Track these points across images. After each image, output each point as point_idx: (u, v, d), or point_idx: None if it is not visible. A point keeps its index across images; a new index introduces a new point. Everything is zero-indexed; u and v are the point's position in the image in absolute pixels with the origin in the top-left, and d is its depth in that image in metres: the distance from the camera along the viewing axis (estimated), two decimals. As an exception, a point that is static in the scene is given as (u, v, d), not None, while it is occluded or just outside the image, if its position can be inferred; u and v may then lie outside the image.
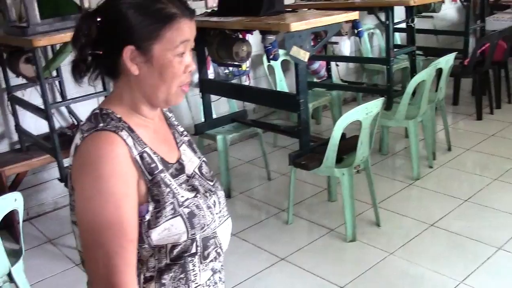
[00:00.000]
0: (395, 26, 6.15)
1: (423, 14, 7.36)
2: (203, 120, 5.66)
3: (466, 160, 5.99)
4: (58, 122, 5.19)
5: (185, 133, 2.00)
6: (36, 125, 5.15)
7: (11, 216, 3.38)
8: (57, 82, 5.18)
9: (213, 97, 5.72)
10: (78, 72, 1.72)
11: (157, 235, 1.68)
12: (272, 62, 6.28)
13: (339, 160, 4.56)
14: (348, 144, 4.60)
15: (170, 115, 2.00)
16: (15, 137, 5.16)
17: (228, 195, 5.40)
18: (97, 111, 1.72)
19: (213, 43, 4.97)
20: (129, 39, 1.64)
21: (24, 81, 4.87)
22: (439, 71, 5.63)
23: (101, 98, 4.49)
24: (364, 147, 4.48)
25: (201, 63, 5.40)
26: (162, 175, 1.70)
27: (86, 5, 4.61)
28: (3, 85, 4.97)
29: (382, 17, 5.90)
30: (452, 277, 3.99)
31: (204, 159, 1.99)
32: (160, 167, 1.71)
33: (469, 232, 4.55)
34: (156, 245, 1.70)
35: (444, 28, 8.90)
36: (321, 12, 4.82)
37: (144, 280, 1.73)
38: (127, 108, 1.74)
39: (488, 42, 6.95)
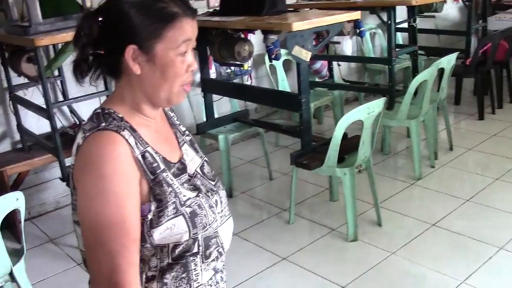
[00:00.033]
0: (397, 26, 6.15)
1: (425, 14, 7.37)
2: (205, 119, 5.66)
3: (468, 160, 5.99)
4: (60, 122, 5.19)
5: (186, 132, 2.00)
6: (38, 125, 5.15)
7: (12, 215, 3.38)
8: (59, 82, 5.19)
9: (215, 97, 5.72)
10: (79, 71, 1.72)
11: (159, 235, 1.68)
12: (274, 62, 6.28)
13: (341, 160, 4.55)
14: (350, 144, 4.60)
15: (171, 114, 2.00)
16: (17, 136, 5.17)
17: (229, 195, 5.41)
18: (99, 110, 1.72)
19: (215, 42, 4.97)
20: (131, 39, 1.64)
21: (26, 80, 4.88)
22: (441, 71, 5.63)
23: (103, 98, 4.50)
24: (366, 147, 4.48)
25: (203, 63, 5.40)
26: (164, 174, 1.70)
27: (88, 4, 4.62)
28: (5, 85, 4.97)
29: (384, 16, 5.90)
30: (454, 276, 3.99)
31: (205, 158, 1.98)
32: (162, 166, 1.71)
33: (471, 232, 4.54)
34: (158, 245, 1.70)
35: (446, 28, 8.90)
36: (323, 12, 4.82)
37: (146, 279, 1.73)
38: (128, 108, 1.74)
39: (490, 42, 6.94)
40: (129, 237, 1.59)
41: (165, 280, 1.73)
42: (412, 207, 5.06)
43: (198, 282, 1.80)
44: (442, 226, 4.66)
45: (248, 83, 6.55)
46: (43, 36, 4.04)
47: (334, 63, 6.91)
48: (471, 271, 4.04)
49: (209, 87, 5.55)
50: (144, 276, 1.73)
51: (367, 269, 4.18)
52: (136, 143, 1.66)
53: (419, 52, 6.51)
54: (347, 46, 7.17)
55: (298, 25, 4.21)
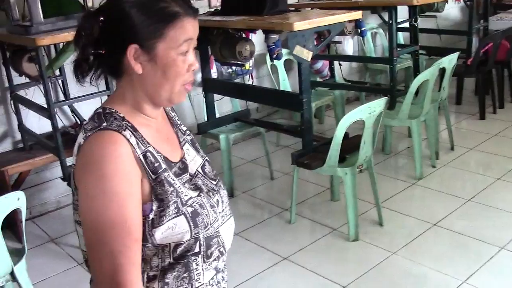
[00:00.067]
0: (398, 26, 6.16)
1: (426, 13, 7.36)
2: (206, 119, 5.66)
3: (469, 159, 5.99)
4: (61, 121, 5.19)
5: (188, 132, 2.00)
6: (39, 124, 5.15)
7: (14, 215, 3.38)
8: (60, 81, 5.19)
9: (216, 96, 5.72)
10: (80, 71, 1.72)
11: (160, 234, 1.68)
12: (275, 62, 6.29)
13: (342, 160, 4.55)
14: (351, 144, 4.60)
15: (172, 114, 2.00)
16: (18, 136, 5.17)
17: (231, 195, 5.41)
18: (100, 110, 1.72)
19: (216, 42, 4.97)
20: (132, 38, 1.64)
21: (27, 80, 4.89)
22: (442, 71, 5.63)
23: (104, 97, 4.50)
24: (367, 147, 4.47)
25: (204, 62, 5.40)
26: (166, 174, 1.70)
27: (90, 4, 4.62)
28: (6, 84, 4.98)
29: (385, 16, 5.89)
30: (455, 276, 3.99)
31: (207, 158, 1.99)
32: (164, 166, 1.71)
33: (472, 231, 4.54)
34: (160, 244, 1.70)
35: (447, 28, 8.89)
36: (324, 12, 4.82)
37: (147, 279, 1.73)
38: (130, 107, 1.74)
39: (491, 41, 6.94)
40: (131, 237, 1.59)
41: (167, 280, 1.74)
42: (413, 207, 5.06)
43: (200, 282, 1.80)
44: (443, 226, 4.66)
45: (249, 82, 6.55)
46: (45, 36, 4.04)
47: (336, 63, 6.91)
48: (472, 271, 4.04)
49: (210, 86, 5.55)
50: (145, 276, 1.73)
51: (368, 269, 4.18)
52: (137, 143, 1.66)
53: (420, 51, 6.50)
54: (349, 45, 7.17)
55: (299, 25, 4.21)
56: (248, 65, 6.26)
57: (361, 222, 4.67)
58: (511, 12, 8.29)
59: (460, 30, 8.27)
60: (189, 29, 1.68)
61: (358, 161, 4.48)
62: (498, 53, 7.07)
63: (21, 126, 5.04)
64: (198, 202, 1.75)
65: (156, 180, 1.67)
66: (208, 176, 1.92)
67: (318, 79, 6.91)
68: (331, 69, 6.85)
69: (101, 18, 1.68)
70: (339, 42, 6.66)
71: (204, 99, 5.62)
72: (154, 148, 1.72)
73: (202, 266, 1.79)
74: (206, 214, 1.76)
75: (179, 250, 1.72)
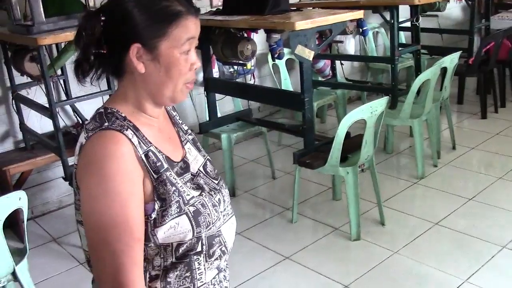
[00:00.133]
0: (400, 25, 6.15)
1: (428, 13, 7.35)
2: (207, 119, 5.66)
3: (470, 159, 5.98)
4: (63, 121, 5.18)
5: (189, 131, 2.00)
6: (40, 124, 5.16)
7: (15, 215, 3.38)
8: (61, 81, 5.18)
9: (217, 96, 5.72)
10: (81, 71, 1.72)
11: (163, 234, 1.68)
12: (277, 61, 6.28)
13: (344, 159, 4.56)
14: (352, 143, 4.60)
15: (174, 113, 2.00)
16: (20, 135, 5.17)
17: (232, 194, 5.41)
18: (102, 110, 1.72)
19: (218, 42, 4.97)
20: (135, 38, 1.64)
21: (28, 79, 4.89)
22: (444, 70, 5.63)
23: (106, 97, 4.49)
24: (368, 146, 4.47)
25: (206, 62, 5.40)
26: (168, 173, 1.70)
27: (91, 3, 4.62)
28: (8, 84, 4.98)
29: (387, 16, 5.89)
30: (457, 275, 3.99)
31: (208, 157, 1.99)
32: (165, 165, 1.71)
33: (474, 230, 4.54)
34: (162, 244, 1.70)
35: (449, 27, 8.88)
36: (326, 11, 4.82)
37: (149, 278, 1.74)
38: (131, 107, 1.74)
39: (492, 41, 6.94)
40: (133, 237, 1.60)
41: (169, 279, 1.74)
42: (415, 206, 5.06)
43: (202, 281, 1.80)
44: (445, 225, 4.66)
45: (251, 82, 6.54)
46: (46, 35, 4.04)
47: (337, 62, 6.91)
48: (474, 269, 4.04)
49: (212, 86, 5.55)
50: (147, 275, 1.73)
51: (370, 268, 4.18)
52: (139, 143, 1.67)
53: (422, 51, 6.50)
54: (350, 45, 7.17)
55: (301, 24, 4.20)
56: (250, 64, 6.26)
57: (363, 221, 4.67)
58: (513, 12, 8.30)
59: (462, 30, 8.25)
60: (191, 28, 1.68)
61: (360, 161, 4.47)
62: (499, 53, 7.07)
63: (22, 125, 5.04)
64: (200, 202, 1.75)
65: (158, 179, 1.67)
66: (210, 175, 1.92)
67: (319, 79, 6.92)
68: (333, 68, 6.86)
69: (103, 18, 1.68)
70: (341, 42, 6.66)
71: (206, 98, 5.62)
72: (156, 148, 1.72)
73: (204, 265, 1.79)
74: (208, 214, 1.76)
75: (181, 250, 1.72)
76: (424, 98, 5.37)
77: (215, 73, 5.99)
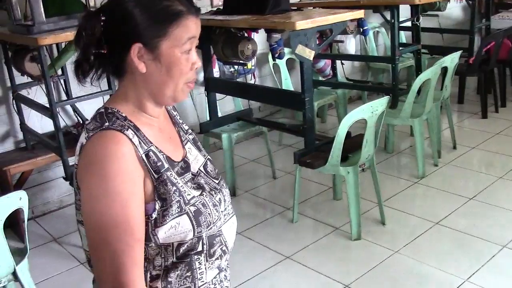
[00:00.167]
0: (401, 25, 6.14)
1: (429, 12, 7.36)
2: (208, 118, 5.66)
3: (471, 158, 5.98)
4: (63, 121, 5.18)
5: (189, 131, 2.00)
6: (41, 124, 5.16)
7: (16, 214, 3.38)
8: (62, 81, 5.18)
9: (218, 96, 5.72)
10: (81, 71, 1.72)
11: (163, 233, 1.68)
12: (277, 61, 6.28)
13: (344, 159, 4.56)
14: (353, 143, 4.60)
15: (174, 113, 2.00)
16: (20, 135, 5.17)
17: (233, 194, 5.41)
18: (102, 110, 1.72)
19: (219, 41, 4.97)
20: (136, 37, 1.64)
21: (29, 79, 4.88)
22: (444, 70, 5.63)
23: (106, 97, 4.49)
24: (369, 146, 4.47)
25: (206, 62, 5.40)
26: (168, 173, 1.70)
27: (92, 3, 4.62)
28: (8, 84, 4.98)
29: (388, 15, 5.89)
30: (457, 275, 3.99)
31: (209, 157, 1.99)
32: (166, 165, 1.71)
33: (474, 230, 4.54)
34: (163, 244, 1.70)
35: (449, 27, 8.88)
36: (326, 11, 4.82)
37: (150, 278, 1.74)
38: (132, 107, 1.74)
39: (493, 40, 6.94)
40: (134, 237, 1.60)
41: (170, 279, 1.74)
42: (416, 206, 5.06)
43: (203, 281, 1.80)
44: (445, 225, 4.66)
45: (252, 82, 6.55)
46: (47, 35, 4.04)
47: (338, 62, 6.91)
48: (474, 269, 4.04)
49: (212, 86, 5.55)
50: (148, 275, 1.73)
51: (371, 267, 4.18)
52: (140, 142, 1.67)
53: (423, 50, 6.51)
54: (351, 45, 7.17)
55: (301, 24, 4.20)
56: (250, 64, 6.26)
57: (363, 221, 4.67)
58: (513, 11, 8.31)
59: (462, 29, 8.24)
60: (192, 27, 1.68)
61: (361, 160, 4.47)
62: (500, 52, 7.07)
63: (23, 125, 5.04)
64: (200, 201, 1.75)
65: (158, 179, 1.67)
66: (210, 175, 1.92)
67: (320, 78, 6.92)
68: (333, 68, 6.86)
69: (103, 18, 1.68)
70: (341, 41, 6.66)
71: (206, 98, 5.62)
72: (157, 148, 1.72)
73: (205, 265, 1.79)
74: (208, 213, 1.76)
75: (182, 249, 1.72)
76: (425, 98, 5.37)
77: (216, 73, 5.99)
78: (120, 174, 1.59)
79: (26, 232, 3.54)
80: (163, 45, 1.65)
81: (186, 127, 2.00)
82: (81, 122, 5.20)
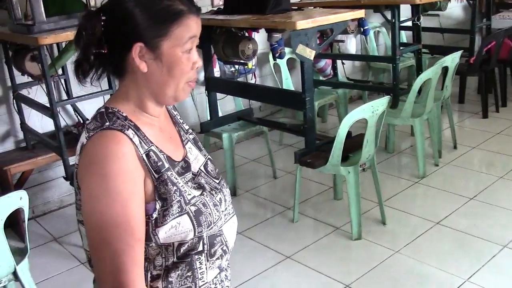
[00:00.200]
0: (401, 24, 6.14)
1: (429, 12, 7.36)
2: (209, 118, 5.66)
3: (472, 158, 5.98)
4: (64, 120, 5.18)
5: (190, 131, 2.00)
6: (41, 123, 5.16)
7: (16, 214, 3.38)
8: (62, 80, 5.18)
9: (219, 95, 5.72)
10: (81, 71, 1.72)
11: (164, 233, 1.67)
12: (278, 60, 6.29)
13: (345, 158, 4.56)
14: (354, 142, 4.60)
15: (175, 113, 2.00)
16: (21, 135, 5.17)
17: (233, 193, 5.41)
18: (103, 110, 1.72)
19: (219, 41, 4.97)
20: (137, 37, 1.64)
21: (29, 79, 4.88)
22: (445, 69, 5.63)
23: (107, 96, 4.49)
24: (370, 145, 4.47)
25: (207, 61, 5.40)
26: (169, 173, 1.70)
27: (92, 3, 4.62)
28: (9, 83, 4.98)
29: (388, 15, 5.89)
30: (458, 275, 3.98)
31: (209, 156, 1.99)
32: (167, 165, 1.71)
33: (475, 230, 4.54)
34: (163, 243, 1.70)
35: (450, 27, 8.88)
36: (327, 10, 4.82)
37: (151, 278, 1.73)
38: (133, 106, 1.74)
39: (494, 40, 6.94)
40: (134, 237, 1.59)
41: (170, 279, 1.74)
42: (416, 206, 5.06)
43: (203, 281, 1.80)
44: (446, 225, 4.66)
45: (252, 81, 6.55)
46: (47, 35, 4.04)
47: (338, 62, 6.91)
48: (475, 269, 4.04)
49: (213, 85, 5.55)
50: (149, 275, 1.73)
51: (371, 267, 4.18)
52: (140, 142, 1.66)
53: (423, 50, 6.51)
54: (351, 44, 7.17)
55: (302, 24, 4.20)
56: (251, 64, 6.26)
57: (364, 220, 4.67)
58: (514, 11, 8.30)
59: (463, 29, 8.25)
60: (193, 26, 1.68)
61: (361, 160, 4.47)
62: (500, 52, 7.07)
63: (23, 125, 5.04)
64: (201, 201, 1.75)
65: (159, 179, 1.67)
66: (211, 174, 1.92)
67: (321, 78, 6.92)
68: (334, 67, 6.86)
69: (103, 18, 1.67)
70: (342, 41, 6.66)
71: (207, 98, 5.62)
72: (157, 147, 1.72)
73: (205, 265, 1.79)
74: (209, 213, 1.76)
75: (182, 249, 1.72)
76: (425, 98, 5.37)
77: (216, 73, 5.99)
78: (120, 174, 1.58)
79: (27, 232, 3.54)
80: (165, 44, 1.65)
81: (187, 127, 2.00)
82: (82, 121, 5.20)
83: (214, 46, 5.09)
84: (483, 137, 6.45)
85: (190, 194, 1.73)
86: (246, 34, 5.01)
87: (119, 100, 1.74)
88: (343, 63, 7.03)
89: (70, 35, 4.02)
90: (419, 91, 5.37)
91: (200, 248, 1.76)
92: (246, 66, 5.96)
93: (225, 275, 1.91)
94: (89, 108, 5.03)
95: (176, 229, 1.68)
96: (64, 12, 4.41)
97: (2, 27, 4.71)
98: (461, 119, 7.20)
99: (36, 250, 4.70)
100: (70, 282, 4.32)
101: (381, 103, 4.41)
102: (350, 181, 4.47)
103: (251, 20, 4.59)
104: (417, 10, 6.10)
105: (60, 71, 5.01)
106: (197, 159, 1.90)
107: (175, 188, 1.69)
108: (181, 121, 2.00)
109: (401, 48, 6.03)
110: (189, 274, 1.76)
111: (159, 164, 1.68)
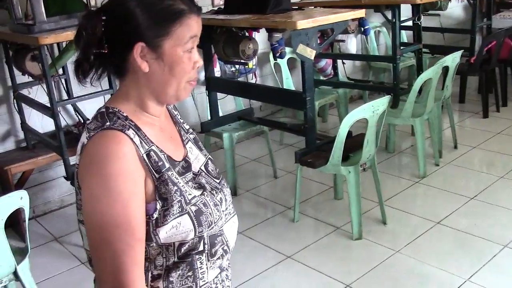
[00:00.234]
0: (402, 24, 6.14)
1: (430, 12, 7.35)
2: (209, 118, 5.66)
3: (472, 158, 5.98)
4: (64, 120, 5.18)
5: (190, 130, 2.00)
6: (42, 123, 5.16)
7: (17, 214, 3.38)
8: (63, 80, 5.18)
9: (219, 95, 5.72)
10: (81, 71, 1.72)
11: (164, 233, 1.67)
12: (278, 60, 6.29)
13: (346, 158, 4.55)
14: (354, 142, 4.60)
15: (175, 113, 2.00)
16: (21, 135, 5.17)
17: (234, 193, 5.41)
18: (103, 109, 1.72)
19: (220, 41, 4.97)
20: (138, 37, 1.64)
21: (30, 79, 4.88)
22: (446, 69, 5.63)
23: (108, 96, 4.49)
24: (370, 145, 4.47)
25: (207, 61, 5.40)
26: (169, 173, 1.70)
27: (93, 3, 4.62)
28: (9, 83, 4.98)
29: (389, 15, 5.89)
30: (459, 275, 3.98)
31: (210, 156, 1.99)
32: (167, 165, 1.71)
33: (475, 230, 4.54)
34: (164, 243, 1.70)
35: (450, 26, 8.88)
36: (327, 10, 4.82)
37: (151, 278, 1.73)
38: (133, 106, 1.73)
39: (494, 40, 6.93)
40: (135, 237, 1.59)
41: (171, 279, 1.74)
42: (417, 205, 5.06)
43: (204, 280, 1.80)
44: (446, 224, 4.66)
45: (253, 81, 6.55)
46: (48, 35, 4.04)
47: (339, 61, 6.91)
48: (475, 269, 4.04)
49: (213, 85, 5.55)
50: (150, 275, 1.73)
51: (372, 267, 4.18)
52: (141, 142, 1.66)
53: (424, 50, 6.51)
54: (352, 44, 7.17)
55: (302, 24, 4.20)
56: (252, 63, 6.25)
57: (364, 220, 4.66)
58: (514, 11, 8.30)
59: (463, 29, 8.26)
60: (194, 26, 1.69)
61: (362, 160, 4.47)
62: (501, 52, 7.07)
63: (24, 125, 5.04)
64: (201, 201, 1.75)
65: (159, 179, 1.67)
66: (211, 174, 1.91)
67: (321, 78, 6.92)
68: (335, 67, 6.86)
69: (104, 18, 1.67)
70: (343, 41, 6.66)
71: (207, 97, 5.62)
72: (158, 147, 1.72)
73: (206, 264, 1.79)
74: (210, 213, 1.76)
75: (183, 249, 1.72)
76: (426, 97, 5.36)
77: (217, 72, 5.99)
78: (121, 174, 1.58)
79: (27, 232, 3.54)
80: (166, 44, 1.65)
81: (187, 127, 2.00)
82: (82, 121, 5.20)
83: (215, 45, 5.09)
84: (483, 137, 6.45)
85: (190, 194, 1.73)
86: (247, 34, 5.01)
87: (120, 100, 1.74)
88: (343, 63, 7.04)
89: (70, 35, 4.02)
90: (420, 91, 5.37)
91: (201, 248, 1.75)
92: (246, 66, 5.96)
93: (226, 275, 1.91)
94: (90, 108, 5.03)
95: (177, 229, 1.68)
96: (64, 12, 4.41)
97: (2, 27, 4.72)
98: (462, 119, 7.20)
99: (36, 250, 4.70)
100: (70, 281, 4.32)
101: (381, 103, 4.41)
102: (351, 181, 4.47)
103: (251, 20, 4.59)
104: (417, 10, 6.10)
105: (60, 71, 5.02)
106: (197, 159, 1.90)
107: (175, 188, 1.69)
108: (182, 120, 2.00)
109: (401, 47, 6.03)
110: (189, 274, 1.76)
111: (159, 164, 1.68)
